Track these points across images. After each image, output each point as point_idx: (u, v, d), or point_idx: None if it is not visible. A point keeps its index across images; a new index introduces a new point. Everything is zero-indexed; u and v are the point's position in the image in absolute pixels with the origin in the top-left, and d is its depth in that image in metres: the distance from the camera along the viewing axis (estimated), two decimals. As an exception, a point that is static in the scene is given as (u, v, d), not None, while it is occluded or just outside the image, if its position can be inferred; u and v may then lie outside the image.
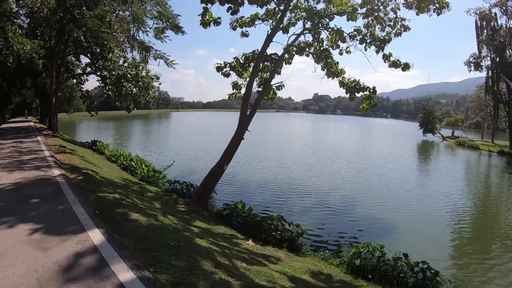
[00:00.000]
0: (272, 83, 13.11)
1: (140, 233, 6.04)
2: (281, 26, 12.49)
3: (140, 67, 29.65)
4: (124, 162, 18.68)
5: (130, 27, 18.25)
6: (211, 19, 11.87)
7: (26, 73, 36.25)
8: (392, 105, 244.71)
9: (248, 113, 12.04)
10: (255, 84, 12.81)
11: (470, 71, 50.31)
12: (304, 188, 20.17)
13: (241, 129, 11.76)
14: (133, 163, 18.20)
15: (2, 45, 25.50)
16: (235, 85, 13.38)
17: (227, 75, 13.07)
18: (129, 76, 28.53)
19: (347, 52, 12.52)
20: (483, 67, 49.96)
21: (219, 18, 12.05)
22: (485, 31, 49.03)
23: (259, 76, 13.54)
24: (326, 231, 12.71)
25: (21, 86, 40.19)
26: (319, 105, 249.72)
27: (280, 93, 14.23)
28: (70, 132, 46.83)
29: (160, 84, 32.22)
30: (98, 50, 26.92)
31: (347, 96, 12.90)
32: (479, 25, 49.47)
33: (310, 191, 19.43)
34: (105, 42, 25.12)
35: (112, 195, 9.14)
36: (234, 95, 14.03)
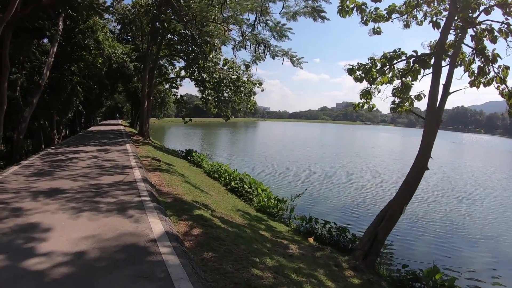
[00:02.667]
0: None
1: None
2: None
3: (241, 71, 25.39)
4: (233, 184, 14.31)
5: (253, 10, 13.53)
6: (352, 5, 9.84)
7: (117, 77, 34.83)
8: (486, 119, 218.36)
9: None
10: (389, 92, 10.51)
11: None
12: (476, 234, 14.05)
13: (426, 155, 8.69)
14: (246, 186, 13.45)
15: (93, 46, 23.86)
16: (366, 93, 10.84)
17: (360, 79, 10.75)
18: (229, 80, 24.31)
19: (496, 55, 9.68)
20: None
21: (364, 4, 9.93)
22: None
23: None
24: None
25: (112, 90, 39.10)
26: (408, 118, 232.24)
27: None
28: (159, 137, 44.53)
29: (262, 90, 27.47)
30: (197, 49, 23.17)
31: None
32: None
33: (489, 239, 13.50)
34: (208, 39, 21.42)
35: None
36: (362, 105, 11.31)
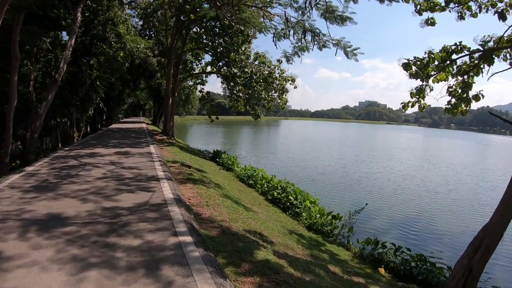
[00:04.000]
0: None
1: None
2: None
3: (273, 66, 23.19)
4: (275, 194, 12.10)
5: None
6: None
7: (139, 72, 33.38)
8: (510, 120, 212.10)
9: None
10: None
11: None
12: None
13: None
14: (291, 198, 11.31)
15: (114, 40, 22.30)
16: (420, 91, 9.71)
17: (415, 76, 9.62)
18: (260, 75, 22.11)
19: None
20: None
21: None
22: None
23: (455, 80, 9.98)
24: None
25: (134, 87, 37.71)
26: (432, 118, 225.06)
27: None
28: (182, 135, 42.79)
29: (295, 87, 25.08)
30: (228, 40, 21.09)
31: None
32: None
33: None
34: (242, 28, 19.30)
35: None
36: (412, 104, 10.10)
